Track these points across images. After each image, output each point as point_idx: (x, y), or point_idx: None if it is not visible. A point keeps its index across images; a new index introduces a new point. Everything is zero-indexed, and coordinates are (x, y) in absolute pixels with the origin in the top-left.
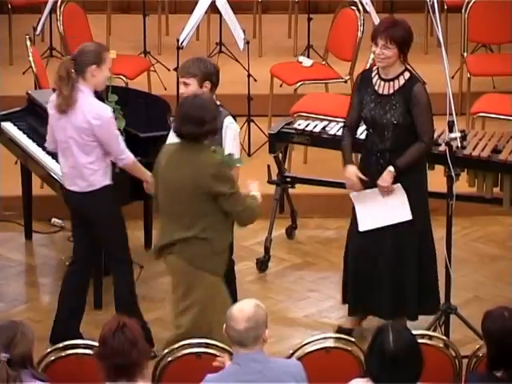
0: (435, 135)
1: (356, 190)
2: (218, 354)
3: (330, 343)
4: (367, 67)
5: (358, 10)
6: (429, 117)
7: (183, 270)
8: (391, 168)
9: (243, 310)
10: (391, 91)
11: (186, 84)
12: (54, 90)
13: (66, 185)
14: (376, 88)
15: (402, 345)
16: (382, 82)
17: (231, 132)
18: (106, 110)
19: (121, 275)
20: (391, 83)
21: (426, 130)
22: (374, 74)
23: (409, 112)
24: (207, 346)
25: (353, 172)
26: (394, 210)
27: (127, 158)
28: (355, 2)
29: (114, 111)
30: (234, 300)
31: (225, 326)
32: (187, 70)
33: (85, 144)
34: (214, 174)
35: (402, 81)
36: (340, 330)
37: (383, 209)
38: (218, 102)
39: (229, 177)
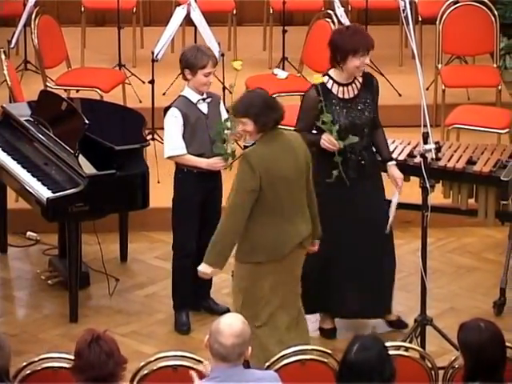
0: (410, 147)
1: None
2: (194, 366)
3: (306, 355)
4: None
5: (333, 21)
6: None
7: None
8: (392, 162)
9: (232, 325)
10: (355, 92)
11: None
12: (29, 103)
13: None
14: (340, 95)
15: (364, 356)
16: (343, 88)
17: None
18: None
19: None
20: (353, 85)
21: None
22: (329, 84)
23: (374, 103)
24: (183, 358)
25: (328, 135)
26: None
27: None
28: (330, 14)
29: None
30: None
31: (208, 338)
32: None
33: None
34: (309, 159)
35: (359, 78)
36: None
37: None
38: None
39: None
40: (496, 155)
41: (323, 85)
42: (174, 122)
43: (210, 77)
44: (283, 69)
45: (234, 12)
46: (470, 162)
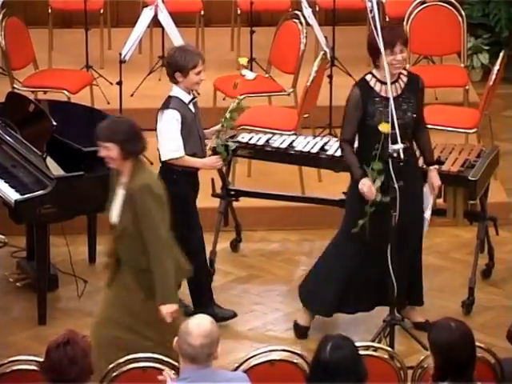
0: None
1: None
2: (163, 368)
3: (276, 356)
4: (361, 80)
5: (301, 22)
6: None
7: None
8: (433, 166)
9: (200, 325)
10: (399, 92)
11: None
12: None
13: None
14: (383, 94)
15: (339, 355)
16: (386, 86)
17: None
18: None
19: None
20: (396, 84)
21: (424, 116)
22: (372, 82)
23: (418, 103)
24: (153, 360)
25: (370, 184)
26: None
27: None
28: (297, 15)
29: None
30: None
31: (177, 339)
32: None
33: None
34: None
35: (403, 78)
36: (298, 326)
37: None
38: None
39: None
40: (464, 155)
41: (366, 83)
42: (174, 124)
43: (201, 74)
44: (251, 70)
45: (202, 13)
46: (438, 161)
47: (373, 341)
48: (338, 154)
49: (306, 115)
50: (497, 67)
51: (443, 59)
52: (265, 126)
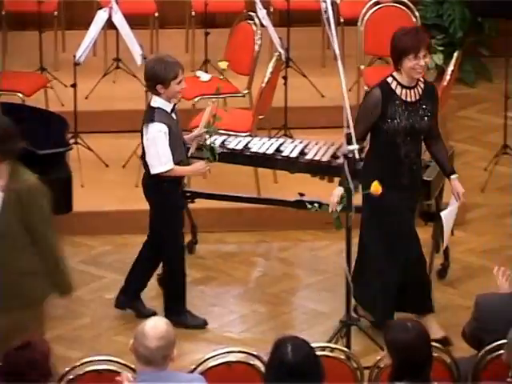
0: (334, 148)
1: None
2: (119, 370)
3: (232, 357)
4: (382, 82)
5: (255, 23)
6: None
7: None
8: (454, 175)
9: (156, 328)
10: (417, 97)
11: None
12: None
13: None
14: (403, 97)
15: (301, 356)
16: (407, 90)
17: None
18: None
19: None
20: (415, 89)
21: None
22: (393, 85)
23: (434, 111)
24: (109, 362)
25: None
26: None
27: None
28: (252, 16)
29: None
30: None
31: (133, 342)
32: None
33: None
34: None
35: (421, 84)
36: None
37: (452, 218)
38: None
39: None
40: None
41: (388, 85)
42: (162, 138)
43: (182, 83)
44: (206, 71)
45: (156, 14)
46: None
47: (329, 341)
48: (294, 155)
49: (261, 116)
50: (451, 68)
51: None
52: (220, 127)
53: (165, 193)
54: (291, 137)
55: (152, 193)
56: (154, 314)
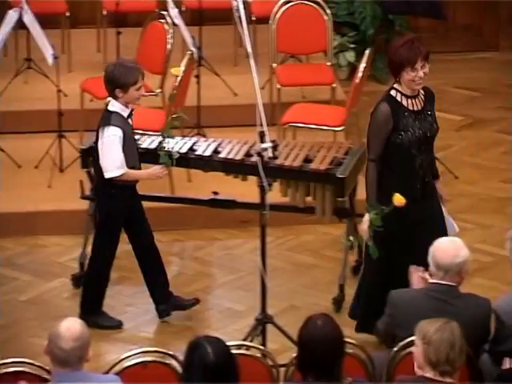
0: (247, 146)
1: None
2: (35, 373)
3: (148, 357)
4: (387, 96)
5: (167, 22)
6: None
7: None
8: (439, 180)
9: (71, 328)
10: (422, 104)
11: None
12: None
13: None
14: (410, 107)
15: (222, 356)
16: (412, 100)
17: None
18: None
19: None
20: (418, 98)
21: None
22: (398, 97)
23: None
24: (23, 364)
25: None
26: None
27: None
28: (164, 15)
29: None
30: None
31: (48, 343)
32: None
33: None
34: None
35: (421, 91)
36: None
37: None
38: None
39: None
40: (332, 153)
41: (393, 98)
42: (116, 142)
43: (141, 90)
44: None
45: (67, 14)
46: (307, 160)
47: (245, 340)
48: (207, 153)
49: (174, 115)
50: (363, 65)
51: (310, 58)
52: (133, 127)
53: (113, 198)
54: (204, 135)
55: (102, 196)
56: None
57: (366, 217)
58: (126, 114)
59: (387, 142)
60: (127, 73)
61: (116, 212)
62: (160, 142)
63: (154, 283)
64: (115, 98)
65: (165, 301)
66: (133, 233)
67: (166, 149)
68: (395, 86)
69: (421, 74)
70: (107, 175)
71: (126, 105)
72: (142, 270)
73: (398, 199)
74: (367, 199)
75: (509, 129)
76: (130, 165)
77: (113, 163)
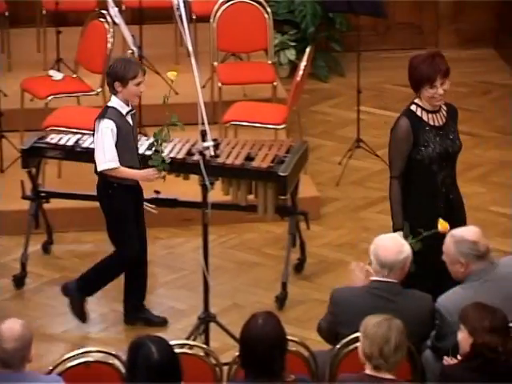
0: (189, 145)
1: None
2: None
3: (91, 357)
4: (407, 111)
5: (107, 22)
6: None
7: None
8: None
9: (12, 329)
10: (444, 120)
11: None
12: None
13: None
14: (431, 123)
15: (167, 356)
16: (433, 115)
17: None
18: None
19: None
20: (440, 113)
21: None
22: (418, 112)
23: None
24: None
25: None
26: None
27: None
28: (104, 14)
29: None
30: None
31: None
32: None
33: None
34: None
35: (443, 106)
36: None
37: None
38: None
39: None
40: (274, 151)
41: (413, 113)
42: (108, 134)
43: (141, 86)
44: (58, 70)
45: (7, 14)
46: (249, 158)
47: (188, 338)
48: (149, 153)
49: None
50: (304, 63)
51: (250, 56)
52: (74, 126)
53: (111, 198)
54: (146, 135)
55: (102, 197)
56: (165, 321)
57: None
58: (124, 111)
59: (408, 159)
60: (127, 66)
61: (118, 211)
62: (153, 145)
63: (132, 291)
64: (115, 93)
65: (135, 310)
66: None
67: (159, 153)
68: (416, 100)
69: (440, 91)
70: (99, 168)
71: (125, 101)
72: (125, 274)
73: (443, 225)
74: (392, 218)
75: None
76: (126, 164)
77: (103, 156)
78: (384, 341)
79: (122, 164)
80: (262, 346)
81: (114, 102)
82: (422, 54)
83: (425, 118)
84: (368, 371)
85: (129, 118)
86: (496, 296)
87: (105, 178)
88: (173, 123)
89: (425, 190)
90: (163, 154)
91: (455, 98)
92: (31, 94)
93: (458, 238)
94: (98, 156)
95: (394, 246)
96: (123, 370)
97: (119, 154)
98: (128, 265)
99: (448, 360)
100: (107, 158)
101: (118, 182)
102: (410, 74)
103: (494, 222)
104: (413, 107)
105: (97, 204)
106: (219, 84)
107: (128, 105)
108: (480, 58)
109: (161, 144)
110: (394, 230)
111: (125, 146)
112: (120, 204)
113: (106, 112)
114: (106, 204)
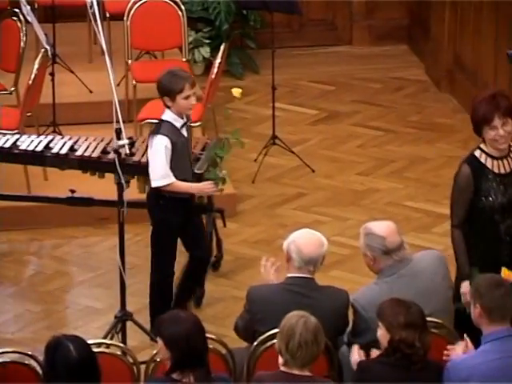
0: (104, 144)
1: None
2: None
3: (7, 358)
4: (470, 157)
5: (20, 20)
6: None
7: None
8: None
9: None
10: (511, 167)
11: None
12: None
13: None
14: (496, 170)
15: (86, 354)
16: (498, 162)
17: None
18: None
19: None
20: (508, 159)
21: None
22: (482, 158)
23: None
24: None
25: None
26: None
27: None
28: (16, 13)
29: None
30: None
31: None
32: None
33: None
34: None
35: None
36: None
37: None
38: None
39: None
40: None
41: (476, 159)
42: (161, 151)
43: (190, 99)
44: None
45: None
46: None
47: (105, 337)
48: (64, 151)
49: (28, 114)
50: (218, 60)
51: (165, 54)
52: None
53: (161, 209)
54: (60, 133)
55: (152, 207)
56: None
57: (465, 287)
58: (178, 125)
59: (470, 207)
60: (172, 80)
61: (166, 224)
62: (211, 157)
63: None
64: (167, 106)
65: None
66: (186, 245)
67: (217, 166)
68: (481, 145)
69: (501, 132)
70: (153, 184)
71: (178, 114)
72: (184, 276)
73: (507, 274)
74: (458, 268)
75: (363, 122)
76: (180, 177)
77: (157, 172)
78: (289, 335)
79: (176, 177)
80: (196, 340)
81: (168, 115)
82: (483, 93)
83: (489, 164)
84: (282, 368)
85: (183, 131)
86: (411, 291)
87: (156, 190)
88: (234, 137)
89: (486, 238)
90: (219, 171)
91: (369, 94)
92: None
93: (368, 230)
94: (152, 172)
95: (315, 240)
96: (40, 370)
97: (174, 168)
98: (157, 289)
99: (361, 355)
100: (160, 174)
101: (169, 194)
102: (470, 116)
103: (409, 217)
104: (477, 153)
105: (12, 203)
106: (134, 82)
107: (182, 117)
108: (393, 54)
109: (220, 158)
110: (461, 280)
111: (179, 160)
112: (168, 215)
113: (160, 127)
114: (154, 214)
